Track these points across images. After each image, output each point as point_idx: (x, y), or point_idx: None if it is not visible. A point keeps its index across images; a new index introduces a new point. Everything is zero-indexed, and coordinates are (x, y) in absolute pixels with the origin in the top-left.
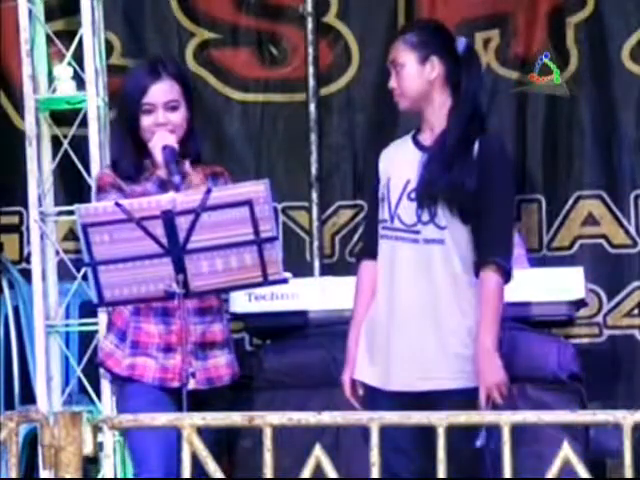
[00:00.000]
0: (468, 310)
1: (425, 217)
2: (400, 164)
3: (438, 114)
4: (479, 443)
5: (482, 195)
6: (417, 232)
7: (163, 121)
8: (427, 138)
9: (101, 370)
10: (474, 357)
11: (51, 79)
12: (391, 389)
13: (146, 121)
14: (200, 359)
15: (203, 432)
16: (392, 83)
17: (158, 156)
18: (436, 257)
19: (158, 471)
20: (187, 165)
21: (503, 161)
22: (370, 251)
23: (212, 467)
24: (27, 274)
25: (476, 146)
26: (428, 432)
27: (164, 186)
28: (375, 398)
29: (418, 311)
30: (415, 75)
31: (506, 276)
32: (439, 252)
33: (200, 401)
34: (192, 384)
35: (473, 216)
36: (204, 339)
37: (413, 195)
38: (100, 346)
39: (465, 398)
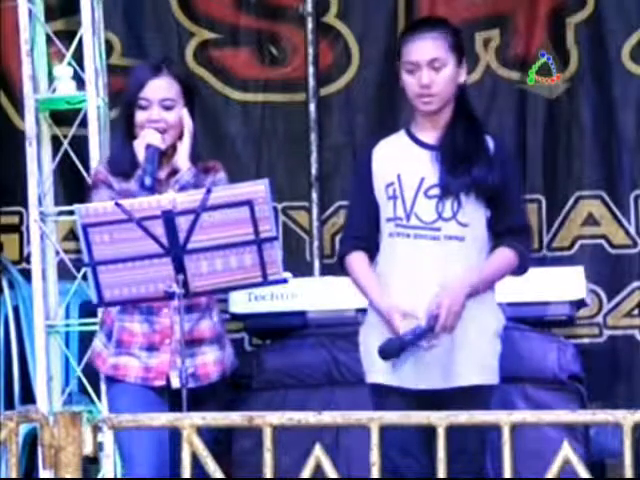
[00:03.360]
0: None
1: (447, 214)
2: (408, 162)
3: (445, 113)
4: None
5: (506, 190)
6: (437, 229)
7: (156, 118)
8: (430, 136)
9: None
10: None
11: (51, 79)
12: (421, 388)
13: (140, 116)
14: (187, 357)
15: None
16: (425, 80)
17: (140, 154)
18: (455, 253)
19: (147, 468)
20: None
21: (514, 159)
22: (361, 245)
23: (212, 467)
24: (27, 274)
25: (491, 144)
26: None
27: (144, 185)
28: (392, 398)
29: None
30: (453, 78)
31: (522, 268)
32: (459, 249)
33: (190, 399)
34: (176, 383)
35: (498, 209)
36: (191, 337)
37: (431, 192)
38: (92, 345)
39: (491, 393)
